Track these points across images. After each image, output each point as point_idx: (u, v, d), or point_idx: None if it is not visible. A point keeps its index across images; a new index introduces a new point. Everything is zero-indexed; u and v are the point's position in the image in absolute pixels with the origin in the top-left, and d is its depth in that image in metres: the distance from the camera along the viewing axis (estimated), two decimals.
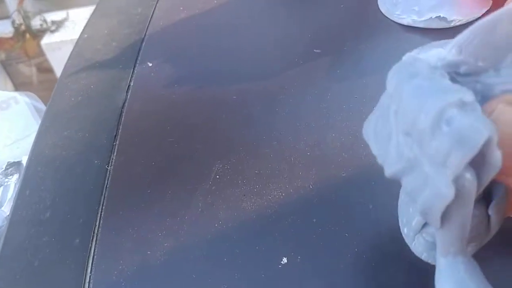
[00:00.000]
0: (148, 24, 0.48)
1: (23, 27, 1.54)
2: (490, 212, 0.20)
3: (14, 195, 0.40)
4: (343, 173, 0.31)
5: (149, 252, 0.30)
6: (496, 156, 0.15)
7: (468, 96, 0.15)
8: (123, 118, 0.38)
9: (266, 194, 0.31)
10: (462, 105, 0.15)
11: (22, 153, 0.54)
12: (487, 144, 0.15)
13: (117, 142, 0.36)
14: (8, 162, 0.50)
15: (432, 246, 0.22)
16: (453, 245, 0.18)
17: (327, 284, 0.27)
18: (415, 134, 0.16)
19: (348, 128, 0.34)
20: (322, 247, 0.28)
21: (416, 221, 0.22)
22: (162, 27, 0.47)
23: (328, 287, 0.27)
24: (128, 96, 0.39)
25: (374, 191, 0.30)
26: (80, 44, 0.48)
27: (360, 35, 0.42)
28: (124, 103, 0.39)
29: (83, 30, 0.50)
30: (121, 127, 0.37)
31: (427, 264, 0.23)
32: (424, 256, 0.23)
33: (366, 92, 0.36)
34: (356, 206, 0.30)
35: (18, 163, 0.50)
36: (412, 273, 0.26)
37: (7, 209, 0.49)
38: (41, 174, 0.36)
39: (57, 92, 0.43)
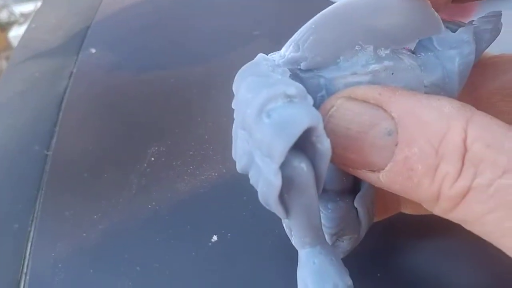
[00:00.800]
0: (96, 12, 0.48)
1: None
2: (356, 204, 0.21)
3: None
4: None
5: (84, 235, 0.30)
6: (325, 144, 0.15)
7: (293, 89, 0.16)
8: (63, 104, 0.38)
9: (199, 174, 0.32)
10: (286, 97, 0.15)
11: None
12: (312, 132, 0.15)
13: (57, 128, 0.36)
14: None
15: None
16: (306, 235, 0.18)
17: (255, 259, 0.28)
18: (246, 128, 0.17)
19: None
20: (252, 223, 0.29)
21: (285, 222, 0.21)
22: (109, 14, 0.47)
23: (256, 262, 0.28)
24: (70, 83, 0.40)
25: None
26: (27, 34, 0.48)
27: (300, 16, 0.42)
28: (65, 90, 0.39)
29: (31, 20, 0.50)
30: (61, 113, 0.37)
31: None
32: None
33: None
34: None
35: None
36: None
37: None
38: None
39: (2, 83, 0.43)
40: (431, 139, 0.15)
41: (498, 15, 0.21)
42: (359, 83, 0.18)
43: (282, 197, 0.16)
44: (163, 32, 0.43)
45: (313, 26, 0.18)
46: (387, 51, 0.19)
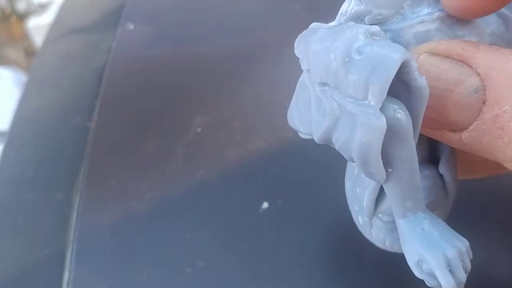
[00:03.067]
0: None
1: (8, 10, 1.53)
2: (441, 170, 0.19)
3: None
4: None
5: (132, 203, 0.30)
6: (421, 81, 0.14)
7: (375, 27, 0.15)
8: (104, 78, 0.38)
9: (246, 144, 0.32)
10: (371, 34, 0.15)
11: (7, 124, 0.54)
12: (404, 69, 0.14)
13: (99, 101, 0.36)
14: None
15: (393, 226, 0.19)
16: (407, 198, 0.16)
17: (307, 227, 0.27)
18: (330, 79, 0.15)
19: None
20: (302, 192, 0.29)
21: (367, 200, 0.20)
22: None
23: (308, 230, 0.27)
24: (109, 58, 0.39)
25: None
26: (61, 12, 0.48)
27: None
28: (105, 64, 0.39)
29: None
30: (102, 86, 0.37)
31: None
32: (388, 242, 0.21)
33: None
34: (335, 155, 0.30)
35: (4, 133, 0.50)
36: None
37: None
38: (25, 134, 0.36)
39: (39, 58, 0.43)
40: None
41: None
42: (428, 32, 0.17)
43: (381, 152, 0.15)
44: (201, 6, 0.43)
45: None
46: None
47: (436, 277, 0.16)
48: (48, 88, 0.40)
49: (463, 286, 0.16)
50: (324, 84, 0.16)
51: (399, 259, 0.24)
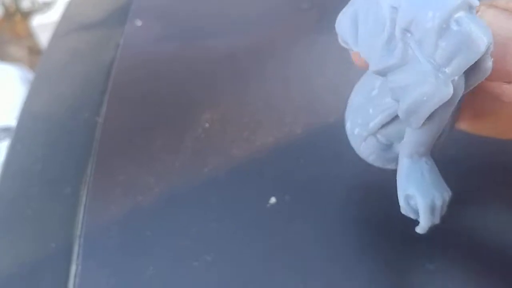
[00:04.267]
0: None
1: (13, 8, 1.53)
2: None
3: None
4: (331, 119, 0.32)
5: (139, 197, 0.30)
6: (489, 64, 0.16)
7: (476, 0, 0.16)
8: (112, 73, 0.38)
9: (254, 140, 0.32)
10: (469, 8, 0.15)
11: (14, 120, 0.54)
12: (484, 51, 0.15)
13: (107, 96, 0.36)
14: (0, 127, 0.50)
15: (384, 147, 0.22)
16: (423, 145, 0.19)
17: (315, 221, 0.28)
18: (418, 32, 0.16)
19: (336, 77, 0.34)
20: (310, 187, 0.29)
21: (377, 121, 0.22)
22: None
23: (316, 224, 0.27)
24: (118, 54, 0.40)
25: None
26: (69, 8, 0.48)
27: None
28: (113, 60, 0.39)
29: None
30: (110, 82, 0.37)
31: None
32: (372, 158, 0.24)
33: None
34: (344, 148, 0.30)
35: (10, 128, 0.50)
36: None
37: None
38: (32, 128, 0.36)
39: (47, 53, 0.43)
40: None
41: None
42: None
43: None
44: (209, 2, 0.43)
45: None
46: None
47: (416, 213, 0.20)
48: (56, 83, 0.40)
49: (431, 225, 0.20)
50: (407, 30, 0.17)
51: (414, 255, 0.25)
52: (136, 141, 0.33)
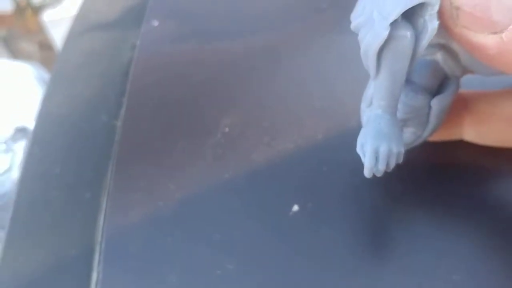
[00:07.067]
0: None
1: (23, 3, 1.53)
2: (432, 103, 0.23)
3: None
4: (352, 122, 0.31)
5: (160, 203, 0.30)
6: (434, 23, 0.18)
7: None
8: (130, 75, 0.38)
9: (275, 145, 0.31)
10: None
11: (30, 121, 0.54)
12: (427, 10, 0.18)
13: (125, 98, 0.36)
14: (16, 127, 0.50)
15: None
16: (383, 98, 0.21)
17: (339, 230, 0.27)
18: None
19: (354, 79, 0.34)
20: (333, 194, 0.29)
21: (371, 91, 0.23)
22: None
23: (340, 233, 0.27)
24: (134, 55, 0.39)
25: None
26: (84, 7, 0.48)
27: None
28: (130, 61, 0.39)
29: None
30: (128, 84, 0.37)
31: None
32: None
33: None
34: None
35: (26, 129, 0.50)
36: (428, 215, 0.26)
37: (15, 174, 0.49)
38: (50, 131, 0.36)
39: (63, 54, 0.43)
40: None
41: None
42: None
43: (380, 55, 0.19)
44: (226, 1, 0.43)
45: None
46: None
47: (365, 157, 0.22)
48: (72, 85, 0.39)
49: (379, 174, 0.21)
50: None
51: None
52: (156, 145, 0.33)
